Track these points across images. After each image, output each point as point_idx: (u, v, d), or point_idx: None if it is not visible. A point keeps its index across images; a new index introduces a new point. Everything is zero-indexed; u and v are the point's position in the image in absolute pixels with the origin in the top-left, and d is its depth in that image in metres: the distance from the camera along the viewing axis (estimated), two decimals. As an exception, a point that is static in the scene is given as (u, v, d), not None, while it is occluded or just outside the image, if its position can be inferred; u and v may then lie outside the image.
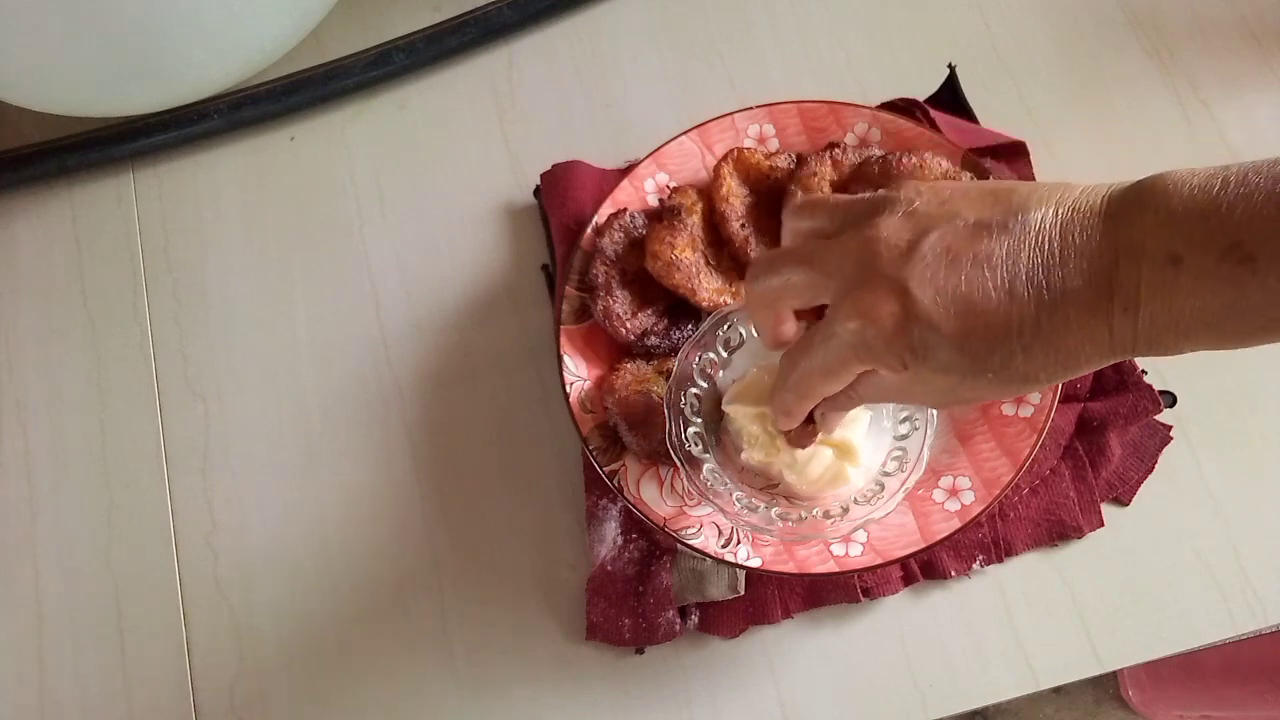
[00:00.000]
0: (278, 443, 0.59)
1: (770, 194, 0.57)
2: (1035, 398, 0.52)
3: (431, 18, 0.66)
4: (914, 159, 0.54)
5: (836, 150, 0.56)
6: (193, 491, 0.58)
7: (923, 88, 0.62)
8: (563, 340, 0.55)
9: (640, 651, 0.53)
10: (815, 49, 0.65)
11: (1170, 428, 0.55)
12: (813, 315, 0.43)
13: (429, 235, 0.62)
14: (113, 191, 0.65)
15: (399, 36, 0.65)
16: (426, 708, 0.53)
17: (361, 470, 0.58)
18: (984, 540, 0.53)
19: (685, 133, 0.58)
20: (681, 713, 0.52)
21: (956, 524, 0.50)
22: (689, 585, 0.52)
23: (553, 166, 0.61)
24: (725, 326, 0.54)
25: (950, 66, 0.63)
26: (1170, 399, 0.55)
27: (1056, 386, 0.51)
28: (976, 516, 0.50)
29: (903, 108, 0.61)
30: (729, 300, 0.55)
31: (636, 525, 0.54)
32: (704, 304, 0.55)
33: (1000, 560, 0.53)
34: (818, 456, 0.51)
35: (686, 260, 0.54)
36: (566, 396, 0.53)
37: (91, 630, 0.56)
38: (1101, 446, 0.54)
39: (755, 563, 0.50)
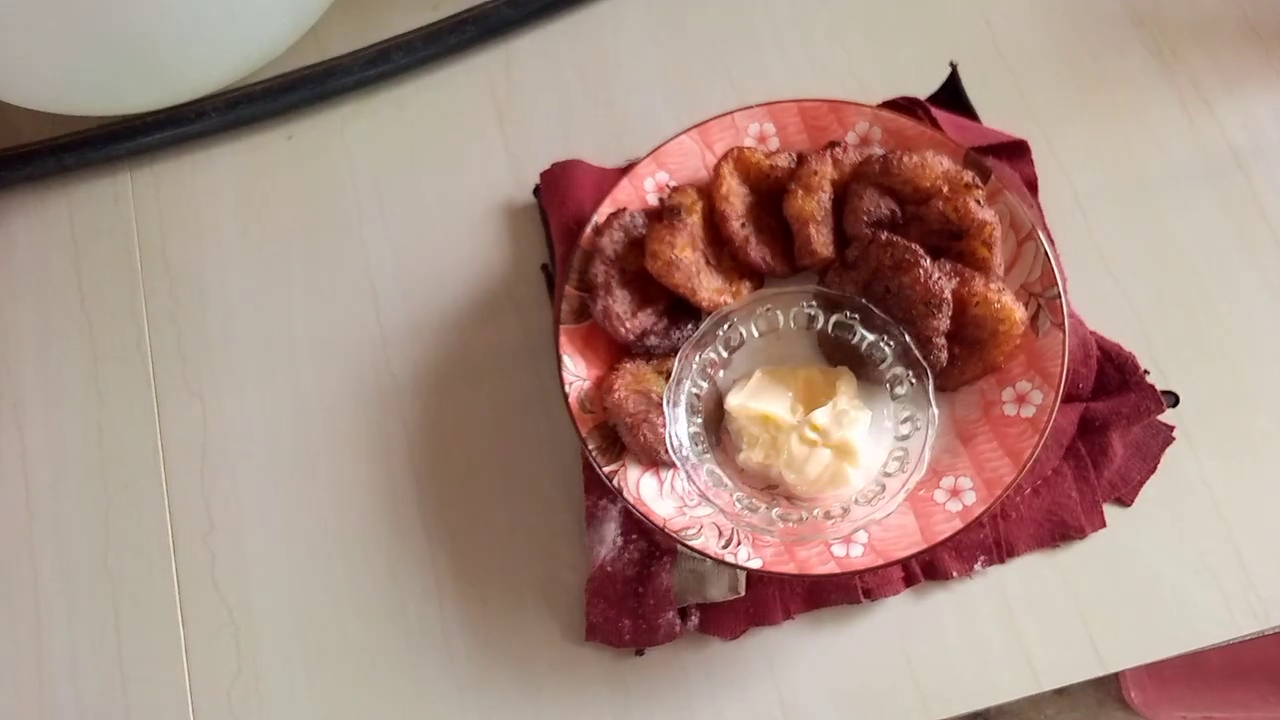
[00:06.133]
0: (277, 443, 0.58)
1: (770, 193, 0.57)
2: (1037, 398, 0.52)
3: (430, 16, 0.66)
4: (915, 158, 0.54)
5: (837, 149, 0.56)
6: (191, 492, 0.58)
7: (924, 86, 0.62)
8: (563, 340, 0.54)
9: (640, 653, 0.53)
10: (815, 48, 0.65)
11: (1173, 428, 0.54)
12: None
13: (428, 235, 0.62)
14: (110, 191, 0.64)
15: (397, 35, 0.65)
16: (426, 708, 0.53)
17: (361, 470, 0.57)
18: (986, 541, 0.53)
19: (685, 132, 0.58)
20: (681, 714, 0.52)
21: (958, 524, 0.50)
22: (689, 586, 0.52)
23: (552, 166, 0.61)
24: (725, 326, 0.54)
25: (952, 65, 0.62)
26: (1173, 399, 0.55)
27: (1059, 387, 0.51)
28: (978, 517, 0.50)
29: (904, 106, 0.60)
30: (729, 300, 0.55)
31: (636, 526, 0.54)
32: (704, 304, 0.54)
33: (1002, 561, 0.53)
34: (817, 457, 0.51)
35: (686, 260, 0.54)
36: (566, 396, 0.53)
37: (90, 630, 0.56)
38: (1104, 447, 0.54)
39: (756, 563, 0.50)
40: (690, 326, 0.56)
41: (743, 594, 0.52)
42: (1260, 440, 0.55)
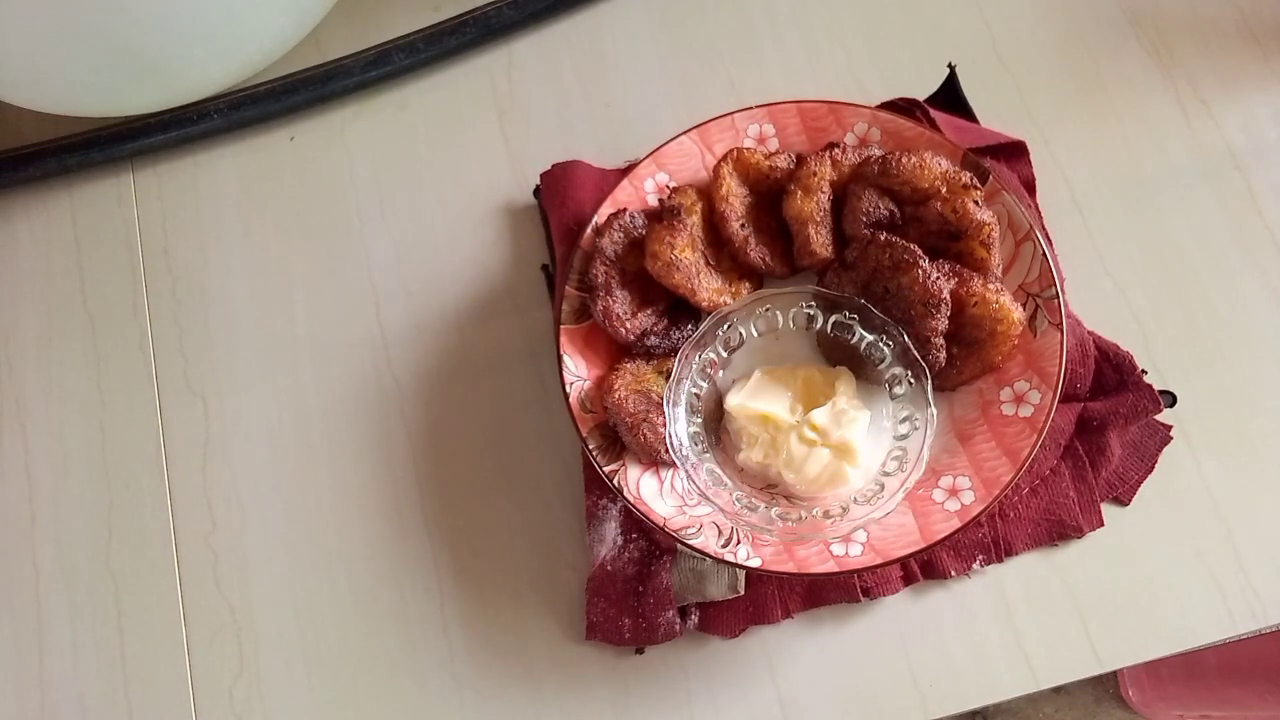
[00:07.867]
0: (278, 443, 0.59)
1: (770, 194, 0.57)
2: (1035, 397, 0.52)
3: (431, 17, 0.66)
4: (914, 159, 0.54)
5: (836, 150, 0.56)
6: (192, 491, 0.58)
7: (922, 87, 0.62)
8: (563, 340, 0.55)
9: (640, 651, 0.53)
10: (815, 49, 0.65)
11: (1170, 427, 0.55)
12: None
13: (429, 235, 0.62)
14: (112, 191, 0.65)
15: (399, 36, 0.65)
16: (427, 706, 0.53)
17: (361, 470, 0.58)
18: (984, 540, 0.53)
19: (685, 133, 0.58)
20: (681, 712, 0.52)
21: (956, 524, 0.50)
22: (689, 585, 0.52)
23: (552, 166, 0.61)
24: (725, 326, 0.54)
25: (950, 66, 0.63)
26: (1170, 399, 0.55)
27: (1057, 387, 0.51)
28: (976, 516, 0.50)
29: (903, 107, 0.61)
30: (729, 300, 0.55)
31: (636, 525, 0.54)
32: (704, 304, 0.55)
33: (1000, 560, 0.53)
34: (816, 456, 0.51)
35: (686, 260, 0.54)
36: (566, 396, 0.53)
37: (91, 630, 0.56)
38: (1101, 446, 0.54)
39: (755, 562, 0.50)
40: (690, 326, 0.56)
41: (742, 593, 0.52)
42: (1258, 439, 0.55)
